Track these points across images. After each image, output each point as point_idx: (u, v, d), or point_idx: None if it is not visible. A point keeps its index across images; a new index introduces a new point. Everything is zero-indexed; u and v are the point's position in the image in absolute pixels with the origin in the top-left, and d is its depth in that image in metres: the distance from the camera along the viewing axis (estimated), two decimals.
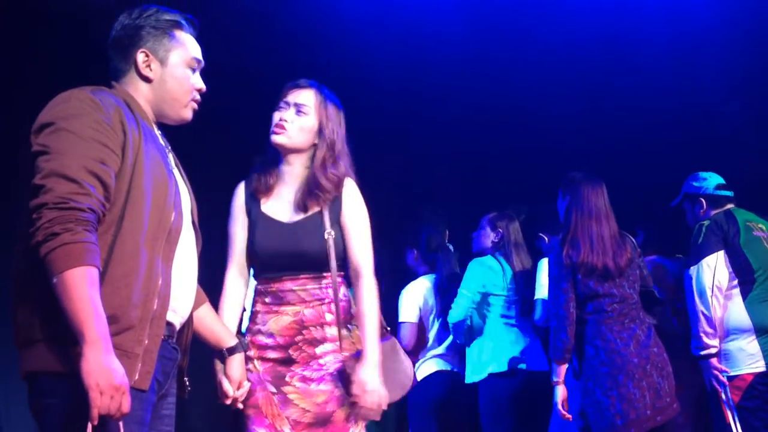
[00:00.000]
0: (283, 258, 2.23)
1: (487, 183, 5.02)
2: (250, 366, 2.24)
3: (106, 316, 1.48)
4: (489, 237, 3.94)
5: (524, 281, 3.78)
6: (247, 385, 2.18)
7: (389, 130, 4.79)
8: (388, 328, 2.36)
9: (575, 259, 3.12)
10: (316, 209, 2.28)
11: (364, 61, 4.47)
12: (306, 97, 2.30)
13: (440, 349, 3.99)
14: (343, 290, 2.29)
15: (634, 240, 3.29)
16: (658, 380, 3.05)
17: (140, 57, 1.76)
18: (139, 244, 1.59)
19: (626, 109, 4.68)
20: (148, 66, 1.77)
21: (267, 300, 2.27)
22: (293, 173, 2.33)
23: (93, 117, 1.58)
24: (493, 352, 3.71)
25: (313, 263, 2.24)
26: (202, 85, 1.85)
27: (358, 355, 2.21)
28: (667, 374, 3.10)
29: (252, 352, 2.25)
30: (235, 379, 2.15)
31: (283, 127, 2.27)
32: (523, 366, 3.67)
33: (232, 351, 2.13)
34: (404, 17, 4.49)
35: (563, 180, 3.34)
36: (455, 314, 3.73)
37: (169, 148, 1.86)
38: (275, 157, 2.34)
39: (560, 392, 3.17)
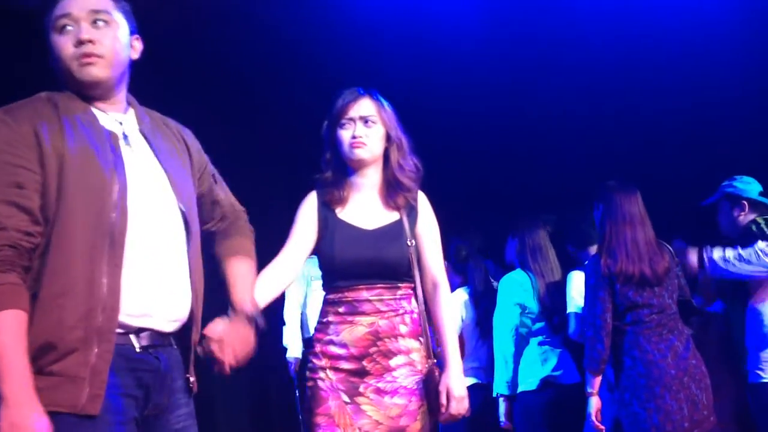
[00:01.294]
0: (363, 266, 2.23)
1: (514, 190, 4.96)
2: (322, 375, 2.23)
3: (40, 344, 1.44)
4: (513, 247, 3.88)
5: (551, 292, 3.70)
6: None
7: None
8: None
9: (612, 268, 3.07)
10: (396, 217, 2.31)
11: (376, 68, 4.44)
12: (367, 107, 2.31)
13: (477, 362, 3.94)
14: (413, 302, 2.30)
15: (671, 248, 3.25)
16: (696, 392, 3.01)
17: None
18: (72, 258, 1.48)
19: (644, 112, 4.61)
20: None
21: (341, 310, 2.25)
22: (368, 183, 2.34)
23: (2, 138, 1.50)
24: (522, 370, 3.67)
25: (391, 272, 2.25)
26: (80, 36, 1.58)
27: (438, 365, 2.25)
28: (705, 387, 3.05)
29: (324, 362, 2.24)
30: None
31: (362, 143, 2.27)
32: (554, 380, 3.62)
33: (244, 316, 1.78)
34: (417, 23, 4.48)
35: (597, 189, 3.30)
36: (505, 325, 3.68)
37: (130, 131, 1.67)
38: (342, 171, 2.34)
39: (594, 403, 3.14)
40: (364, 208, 2.33)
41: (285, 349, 4.45)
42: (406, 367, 2.23)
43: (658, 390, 2.97)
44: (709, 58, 4.32)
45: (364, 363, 2.21)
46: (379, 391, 2.20)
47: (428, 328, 2.32)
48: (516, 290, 3.71)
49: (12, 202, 1.47)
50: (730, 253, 3.23)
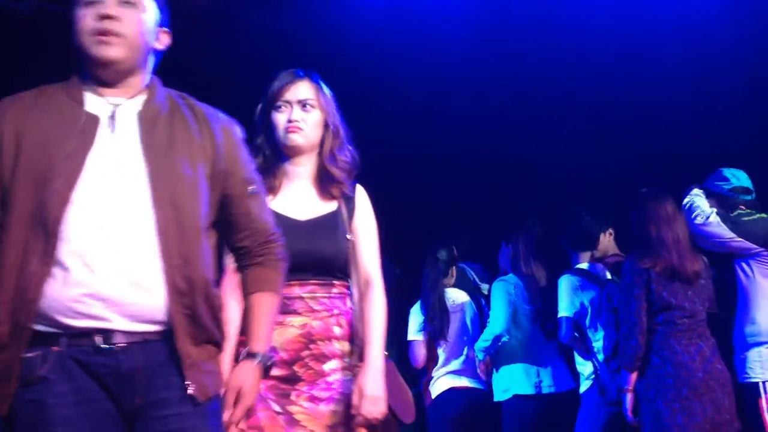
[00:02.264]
0: (295, 259, 1.96)
1: (505, 196, 4.93)
2: None
3: None
4: (507, 253, 3.86)
5: (544, 298, 3.68)
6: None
7: (400, 144, 4.73)
8: (386, 353, 2.18)
9: (648, 264, 3.13)
10: (332, 208, 2.15)
11: (378, 74, 4.43)
12: (306, 90, 2.14)
13: (454, 365, 3.87)
14: (348, 302, 2.13)
15: (705, 259, 3.30)
16: (720, 396, 3.06)
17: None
18: (6, 248, 1.43)
19: (646, 113, 4.58)
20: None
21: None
22: (302, 172, 2.17)
23: None
24: (515, 375, 3.63)
25: (326, 267, 2.08)
26: (97, 9, 1.53)
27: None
28: (729, 392, 3.11)
29: None
30: (233, 385, 1.71)
31: (299, 127, 2.11)
32: (546, 388, 3.58)
33: (248, 355, 1.72)
34: (418, 29, 4.44)
35: (632, 198, 3.39)
36: (497, 328, 3.64)
37: (118, 117, 1.57)
38: (274, 158, 2.17)
39: (630, 400, 3.16)
40: (298, 197, 2.15)
41: None
42: (340, 372, 2.05)
43: (685, 391, 3.02)
44: (712, 60, 4.31)
45: (296, 368, 2.02)
46: (313, 399, 2.01)
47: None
48: (508, 290, 3.69)
49: None
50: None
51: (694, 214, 3.29)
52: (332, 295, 2.09)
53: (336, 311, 2.08)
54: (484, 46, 4.40)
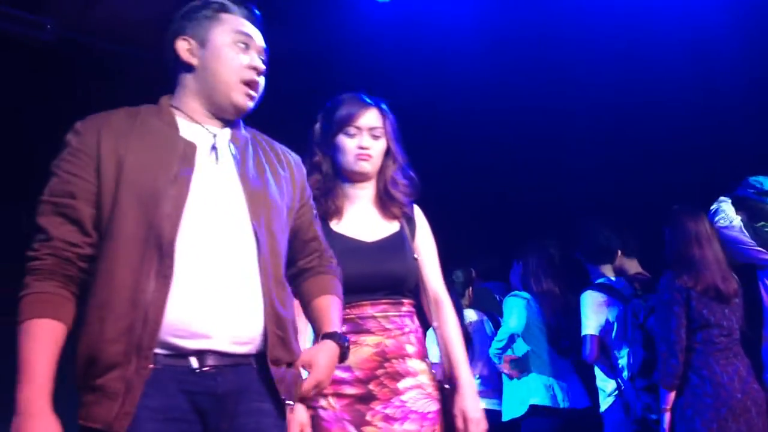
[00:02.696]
0: (366, 280, 2.06)
1: (520, 211, 4.92)
2: (324, 403, 2.03)
3: (85, 357, 1.42)
4: (518, 271, 3.85)
5: (557, 315, 3.65)
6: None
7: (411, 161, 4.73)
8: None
9: (689, 282, 3.13)
10: (396, 228, 2.18)
11: (382, 83, 4.44)
12: (375, 118, 2.18)
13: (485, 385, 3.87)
14: (416, 320, 2.16)
15: (737, 277, 3.28)
16: (754, 416, 3.06)
17: (180, 44, 1.63)
18: (118, 268, 1.44)
19: (659, 122, 4.56)
20: (189, 51, 1.62)
21: (343, 329, 2.02)
22: (363, 195, 2.21)
23: (71, 148, 1.53)
24: (531, 385, 3.60)
25: (395, 286, 2.10)
26: (256, 63, 1.63)
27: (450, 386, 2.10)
28: (763, 412, 3.10)
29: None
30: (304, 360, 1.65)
31: (369, 155, 2.16)
32: (562, 402, 3.54)
33: (327, 336, 1.70)
34: (427, 37, 4.46)
35: (666, 215, 3.39)
36: (513, 325, 3.60)
37: (218, 145, 1.62)
38: (334, 180, 2.20)
39: (667, 420, 3.12)
40: (362, 219, 2.18)
41: None
42: (415, 390, 2.06)
43: (724, 412, 3.00)
44: (720, 67, 4.29)
45: (371, 387, 2.03)
46: (388, 418, 2.01)
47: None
48: (522, 305, 3.67)
49: (62, 213, 1.48)
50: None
51: (717, 217, 3.28)
52: (402, 313, 2.12)
53: (407, 329, 2.11)
54: (492, 60, 4.41)
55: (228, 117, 1.65)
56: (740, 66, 4.17)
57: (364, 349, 2.05)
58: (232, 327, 1.50)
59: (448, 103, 4.68)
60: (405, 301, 2.13)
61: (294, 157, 1.79)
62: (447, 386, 2.10)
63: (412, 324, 2.13)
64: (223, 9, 1.66)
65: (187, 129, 1.61)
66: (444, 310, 2.19)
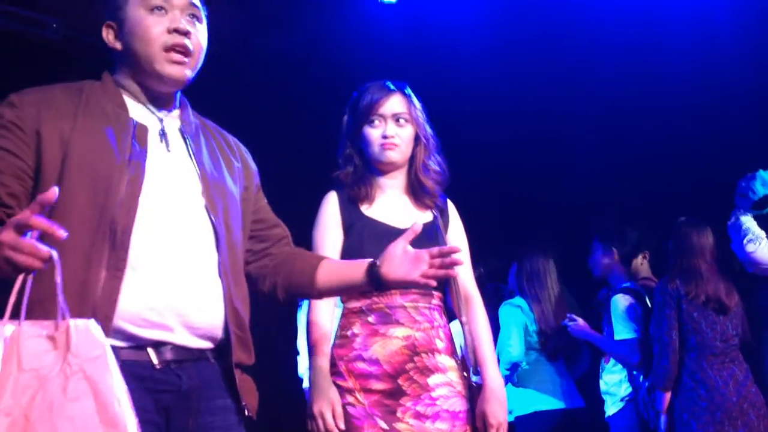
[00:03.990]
0: None
1: (530, 212, 4.90)
2: (351, 399, 1.95)
3: None
4: (513, 271, 3.84)
5: (547, 318, 3.63)
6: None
7: None
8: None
9: (681, 287, 3.16)
10: (429, 218, 2.11)
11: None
12: (398, 104, 2.10)
13: None
14: (444, 315, 2.08)
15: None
16: (753, 419, 3.06)
17: (104, 33, 1.51)
18: (64, 258, 1.24)
19: (669, 125, 4.54)
20: (114, 36, 1.50)
21: (370, 319, 1.99)
22: (394, 184, 2.14)
23: (2, 120, 1.40)
24: (525, 394, 3.59)
25: None
26: (176, 24, 1.46)
27: (477, 385, 2.01)
28: (764, 415, 3.10)
29: (351, 383, 1.96)
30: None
31: (395, 143, 2.08)
32: (555, 405, 3.53)
33: (373, 265, 1.58)
34: (436, 39, 4.44)
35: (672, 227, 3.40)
36: (515, 354, 3.60)
37: (167, 129, 1.52)
38: (365, 170, 2.13)
39: (664, 422, 3.17)
40: (394, 206, 2.11)
41: (301, 379, 4.39)
42: (445, 387, 1.97)
43: (719, 415, 3.02)
44: (725, 69, 4.27)
45: (400, 381, 1.94)
46: (419, 416, 1.92)
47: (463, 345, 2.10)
48: (516, 315, 3.66)
49: None
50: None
51: (746, 239, 3.21)
52: (432, 306, 2.04)
53: (436, 323, 2.03)
54: (497, 62, 4.38)
55: (165, 90, 1.52)
56: (746, 69, 4.15)
57: (393, 341, 1.97)
58: (192, 319, 1.42)
59: (452, 105, 4.64)
60: (435, 293, 2.05)
61: (244, 148, 1.70)
62: (475, 383, 2.03)
63: (441, 319, 2.06)
64: None
65: (137, 111, 1.51)
66: (474, 307, 2.11)
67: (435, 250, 1.52)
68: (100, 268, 1.35)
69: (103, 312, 1.33)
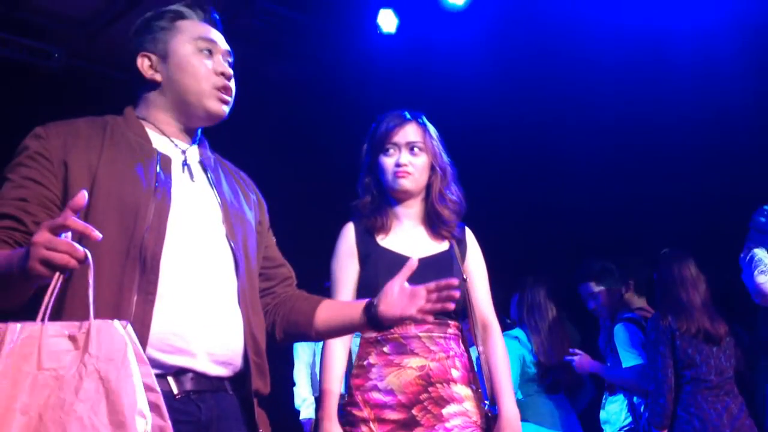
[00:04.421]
0: None
1: (521, 242, 4.89)
2: (365, 429, 1.95)
3: None
4: (514, 302, 3.83)
5: (546, 349, 3.61)
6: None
7: None
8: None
9: (673, 324, 3.16)
10: (445, 247, 2.11)
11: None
12: (413, 133, 2.12)
13: None
14: (461, 344, 2.07)
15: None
16: None
17: (140, 62, 1.55)
18: (97, 284, 1.28)
19: (674, 145, 4.53)
20: (152, 68, 1.54)
21: (385, 349, 1.99)
22: (411, 213, 2.14)
23: (29, 152, 1.43)
24: (525, 427, 3.57)
25: None
26: (224, 68, 1.56)
27: (493, 415, 1.99)
28: None
29: (366, 413, 1.96)
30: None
31: (408, 172, 2.08)
32: None
33: (370, 305, 1.57)
34: (429, 71, 4.47)
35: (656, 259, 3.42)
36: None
37: (190, 161, 1.56)
38: (382, 200, 2.14)
39: None
40: (409, 237, 2.11)
41: (298, 412, 4.34)
42: (460, 417, 1.96)
43: None
44: (728, 87, 4.28)
45: (414, 412, 1.93)
46: None
47: (480, 374, 2.09)
48: (512, 347, 3.64)
49: (8, 215, 1.38)
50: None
51: (757, 270, 3.15)
52: (448, 335, 2.03)
53: (452, 353, 2.02)
54: (496, 85, 4.39)
55: (201, 125, 1.59)
56: (749, 86, 4.15)
57: (407, 371, 1.97)
58: (214, 345, 1.42)
59: (453, 133, 4.67)
60: (451, 323, 2.04)
61: (255, 185, 1.73)
62: (491, 413, 2.01)
63: (458, 348, 2.04)
64: (180, 17, 1.58)
65: (158, 142, 1.53)
66: (492, 336, 2.09)
67: (432, 285, 1.51)
68: (131, 292, 1.35)
69: (137, 336, 1.31)
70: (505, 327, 3.97)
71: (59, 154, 1.42)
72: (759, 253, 3.19)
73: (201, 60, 1.55)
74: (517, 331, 3.72)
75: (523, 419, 3.53)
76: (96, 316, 1.21)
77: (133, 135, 1.51)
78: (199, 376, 1.41)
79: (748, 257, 3.17)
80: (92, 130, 1.48)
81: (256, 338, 1.50)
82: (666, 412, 3.09)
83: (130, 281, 1.36)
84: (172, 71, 1.54)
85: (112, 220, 1.38)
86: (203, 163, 1.58)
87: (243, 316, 1.48)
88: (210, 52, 1.56)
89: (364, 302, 1.59)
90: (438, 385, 1.97)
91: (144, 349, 1.30)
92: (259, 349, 1.51)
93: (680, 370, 3.14)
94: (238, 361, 1.46)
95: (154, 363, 1.35)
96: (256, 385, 1.49)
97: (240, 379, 1.48)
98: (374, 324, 1.57)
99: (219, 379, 1.44)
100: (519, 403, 3.54)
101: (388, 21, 4.34)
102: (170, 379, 1.38)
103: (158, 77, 1.54)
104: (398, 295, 1.53)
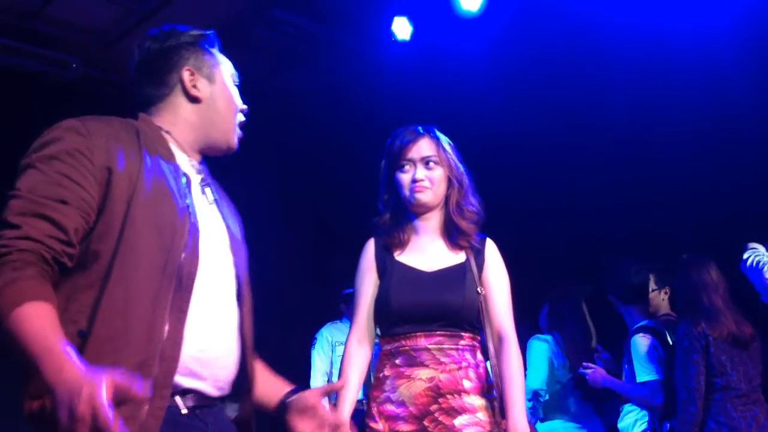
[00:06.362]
0: (422, 310, 2.00)
1: (538, 252, 4.86)
2: None
3: None
4: (545, 313, 3.82)
5: (578, 358, 3.59)
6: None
7: None
8: None
9: (706, 329, 3.11)
10: (461, 260, 2.11)
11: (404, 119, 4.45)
12: (428, 147, 2.14)
13: None
14: (478, 355, 2.06)
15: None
16: None
17: (186, 75, 1.56)
18: (133, 297, 1.29)
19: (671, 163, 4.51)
20: (193, 84, 1.56)
21: (397, 361, 2.01)
22: (430, 226, 2.16)
23: (68, 147, 1.33)
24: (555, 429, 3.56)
25: (452, 318, 2.01)
26: (243, 106, 1.64)
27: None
28: None
29: (381, 425, 1.98)
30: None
31: (425, 187, 2.11)
32: None
33: (293, 393, 1.59)
34: (443, 78, 4.47)
35: (675, 265, 3.38)
36: (535, 382, 3.57)
37: (206, 182, 1.57)
38: (402, 214, 2.17)
39: None
40: (426, 250, 2.13)
41: None
42: (472, 428, 1.95)
43: None
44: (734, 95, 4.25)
45: (425, 423, 1.94)
46: None
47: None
48: (541, 348, 3.64)
49: (46, 216, 1.29)
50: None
51: (767, 267, 3.14)
52: (460, 347, 2.03)
53: (464, 364, 2.01)
54: (509, 94, 4.38)
55: (215, 154, 1.61)
56: (757, 96, 4.12)
57: (417, 383, 1.98)
58: (219, 373, 1.43)
59: (468, 139, 4.66)
60: (464, 334, 2.04)
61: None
62: (503, 424, 1.99)
63: (472, 359, 2.04)
64: (208, 41, 1.62)
65: (180, 158, 1.52)
66: (507, 348, 2.05)
67: (331, 419, 1.53)
68: (165, 310, 1.33)
69: (170, 353, 1.32)
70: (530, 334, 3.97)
71: (102, 158, 1.35)
72: (759, 253, 3.17)
73: (234, 92, 1.62)
74: (548, 336, 3.75)
75: (550, 417, 3.56)
76: (129, 329, 1.25)
77: (161, 147, 1.49)
78: (200, 395, 1.41)
79: (749, 261, 3.16)
80: (129, 135, 1.44)
81: (251, 365, 1.51)
82: (697, 420, 3.03)
83: (164, 297, 1.33)
84: (217, 95, 1.58)
85: (150, 234, 1.35)
86: (210, 187, 1.58)
87: (240, 342, 1.48)
88: (236, 86, 1.64)
89: (288, 390, 1.59)
90: (449, 396, 1.97)
91: (176, 366, 1.32)
92: (253, 376, 1.52)
93: (711, 377, 3.08)
94: (229, 385, 1.46)
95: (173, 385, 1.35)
96: (249, 407, 1.50)
97: (234, 400, 1.49)
98: (279, 414, 1.57)
99: (214, 398, 1.44)
100: (546, 402, 3.56)
101: (402, 28, 4.35)
102: (176, 397, 1.37)
103: (200, 95, 1.56)
104: (311, 408, 1.54)
